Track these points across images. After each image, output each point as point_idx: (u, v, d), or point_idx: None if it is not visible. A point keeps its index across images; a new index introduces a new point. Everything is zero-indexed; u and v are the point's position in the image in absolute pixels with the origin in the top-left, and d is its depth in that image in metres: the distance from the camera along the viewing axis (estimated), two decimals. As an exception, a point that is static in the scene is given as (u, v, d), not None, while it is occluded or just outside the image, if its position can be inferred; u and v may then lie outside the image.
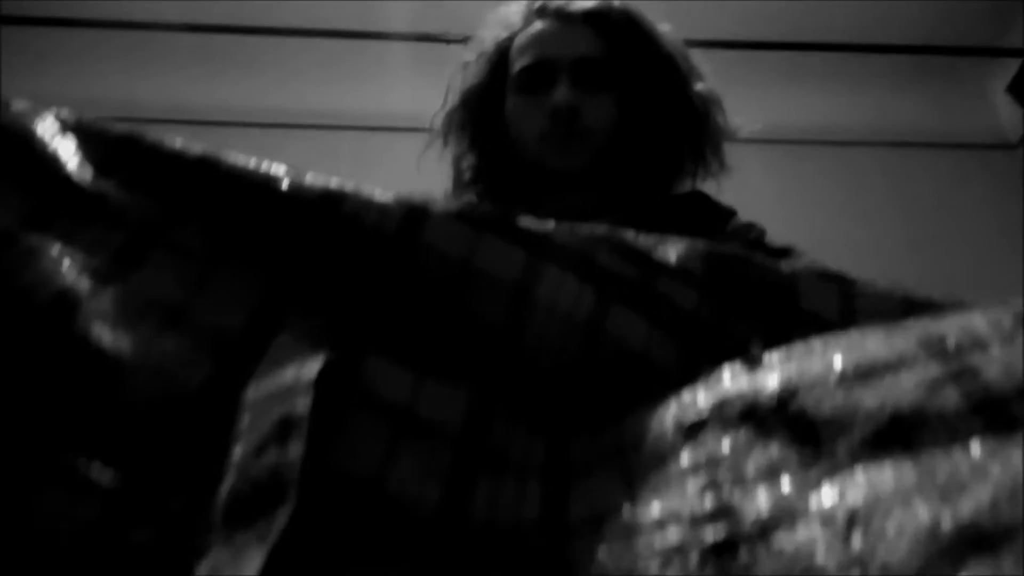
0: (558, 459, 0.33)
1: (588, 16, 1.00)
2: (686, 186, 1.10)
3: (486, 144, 1.09)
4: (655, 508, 0.29)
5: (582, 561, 0.28)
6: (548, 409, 0.35)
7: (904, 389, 0.28)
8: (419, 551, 0.27)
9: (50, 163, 0.33)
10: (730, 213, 1.03)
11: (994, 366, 0.27)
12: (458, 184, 1.13)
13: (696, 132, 1.05)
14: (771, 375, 0.32)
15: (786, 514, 0.26)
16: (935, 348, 0.29)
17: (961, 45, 2.63)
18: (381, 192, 0.36)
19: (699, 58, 1.11)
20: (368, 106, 2.76)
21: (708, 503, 0.28)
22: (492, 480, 0.31)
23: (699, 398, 0.33)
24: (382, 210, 0.35)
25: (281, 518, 0.23)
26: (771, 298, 0.40)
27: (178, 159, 0.36)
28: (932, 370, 0.28)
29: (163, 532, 0.25)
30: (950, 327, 0.30)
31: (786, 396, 0.30)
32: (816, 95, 2.76)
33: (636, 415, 0.34)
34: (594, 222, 0.99)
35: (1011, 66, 2.64)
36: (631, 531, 0.28)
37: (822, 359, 0.32)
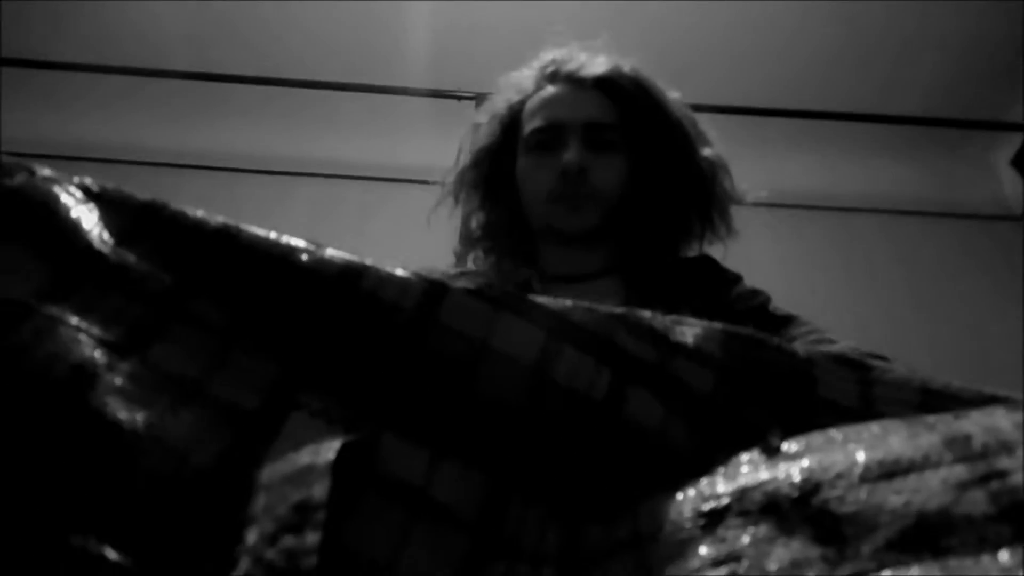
0: (573, 547, 0.32)
1: (599, 81, 1.02)
2: (694, 249, 1.10)
3: (496, 203, 1.10)
4: (673, 603, 0.28)
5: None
6: (563, 491, 0.34)
7: (931, 490, 0.27)
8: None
9: (72, 231, 0.34)
10: (736, 278, 1.03)
11: (1021, 472, 0.27)
12: (467, 241, 1.14)
13: (703, 195, 1.06)
14: (792, 466, 0.31)
15: (810, 618, 0.25)
16: (961, 448, 0.29)
17: (966, 118, 2.67)
18: (401, 268, 0.36)
19: (707, 123, 1.12)
20: (376, 157, 2.80)
21: (728, 601, 0.27)
22: (506, 569, 0.31)
23: (718, 486, 0.32)
24: (401, 286, 0.35)
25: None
26: (788, 383, 0.40)
27: (198, 229, 0.36)
28: (958, 471, 0.28)
29: (171, 618, 0.24)
30: (975, 426, 0.30)
31: (808, 489, 0.30)
32: (824, 162, 2.79)
33: (652, 501, 0.33)
34: (602, 281, 0.99)
35: (1016, 140, 2.66)
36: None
37: (844, 452, 0.31)
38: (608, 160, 0.99)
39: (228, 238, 0.36)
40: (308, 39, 2.67)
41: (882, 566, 0.26)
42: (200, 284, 0.34)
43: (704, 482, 0.33)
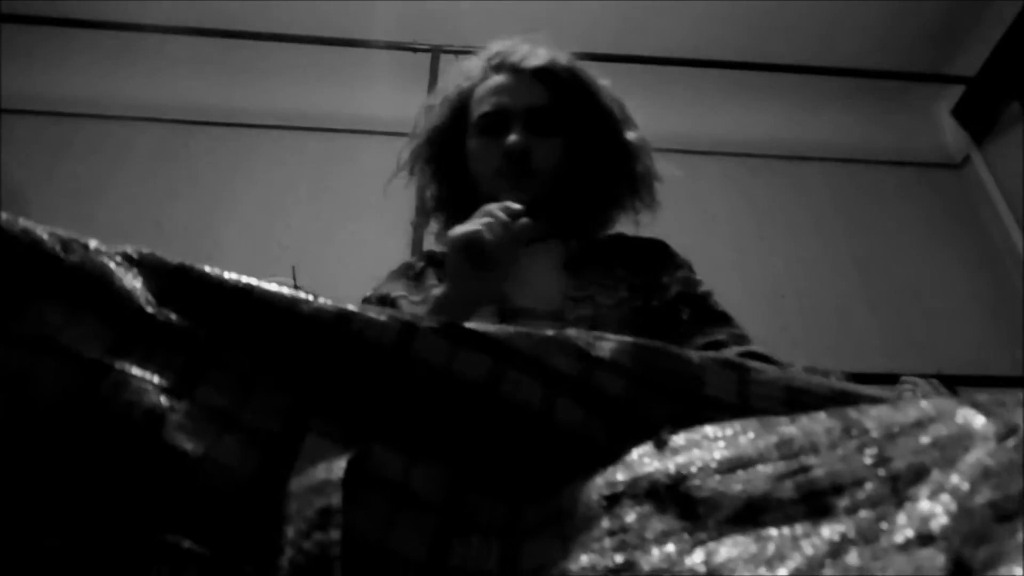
0: (515, 521, 0.44)
1: (538, 71, 1.18)
2: (624, 217, 1.26)
3: (448, 177, 1.26)
4: (583, 560, 0.40)
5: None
6: (508, 479, 0.46)
7: (759, 480, 0.39)
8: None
9: (126, 298, 0.44)
10: (684, 264, 1.16)
11: (820, 467, 0.39)
12: (422, 211, 1.30)
13: (629, 172, 1.22)
14: (670, 461, 0.43)
15: (670, 569, 0.37)
16: (785, 448, 0.41)
17: (909, 71, 2.78)
18: (381, 311, 0.47)
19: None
20: (336, 109, 2.85)
21: (619, 558, 0.39)
22: (464, 538, 0.42)
23: (618, 475, 0.44)
24: (381, 327, 0.46)
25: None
26: (682, 385, 0.52)
27: (220, 287, 0.46)
28: (779, 466, 0.40)
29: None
30: (798, 430, 0.42)
31: (679, 479, 0.42)
32: (771, 112, 2.89)
33: (572, 486, 0.45)
34: (543, 245, 1.11)
35: (956, 91, 2.79)
36: (563, 583, 0.39)
37: (709, 450, 0.43)
38: (547, 142, 1.14)
39: (244, 293, 0.46)
40: None
41: (721, 535, 0.38)
42: (226, 335, 0.45)
43: (609, 471, 0.44)
